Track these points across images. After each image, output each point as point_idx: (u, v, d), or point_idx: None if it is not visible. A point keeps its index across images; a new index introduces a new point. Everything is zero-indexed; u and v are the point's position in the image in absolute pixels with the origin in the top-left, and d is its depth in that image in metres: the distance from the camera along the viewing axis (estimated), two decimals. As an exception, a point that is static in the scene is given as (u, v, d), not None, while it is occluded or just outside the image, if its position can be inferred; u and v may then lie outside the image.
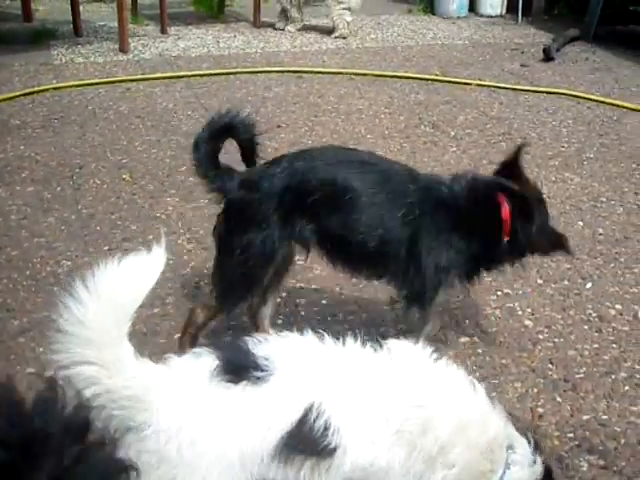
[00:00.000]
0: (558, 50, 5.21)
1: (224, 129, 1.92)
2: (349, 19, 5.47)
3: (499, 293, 2.38)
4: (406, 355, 1.35)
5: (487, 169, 3.28)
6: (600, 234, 2.77)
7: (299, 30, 5.66)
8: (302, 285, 2.43)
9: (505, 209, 1.85)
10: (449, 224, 1.86)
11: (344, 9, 5.40)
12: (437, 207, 1.87)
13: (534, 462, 1.35)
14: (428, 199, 1.86)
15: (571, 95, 4.35)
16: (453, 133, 3.73)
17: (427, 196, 1.87)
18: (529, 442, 1.35)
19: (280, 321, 2.25)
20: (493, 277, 2.23)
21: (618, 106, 4.22)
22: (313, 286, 2.43)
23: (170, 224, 2.82)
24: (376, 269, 1.96)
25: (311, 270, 2.52)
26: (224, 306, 2.00)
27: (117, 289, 1.22)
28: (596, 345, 2.18)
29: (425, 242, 1.85)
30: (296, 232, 1.88)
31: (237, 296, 1.99)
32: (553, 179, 3.12)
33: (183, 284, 2.45)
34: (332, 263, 1.96)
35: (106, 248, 2.66)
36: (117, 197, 3.03)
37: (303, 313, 2.30)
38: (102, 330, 1.20)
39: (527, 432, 1.40)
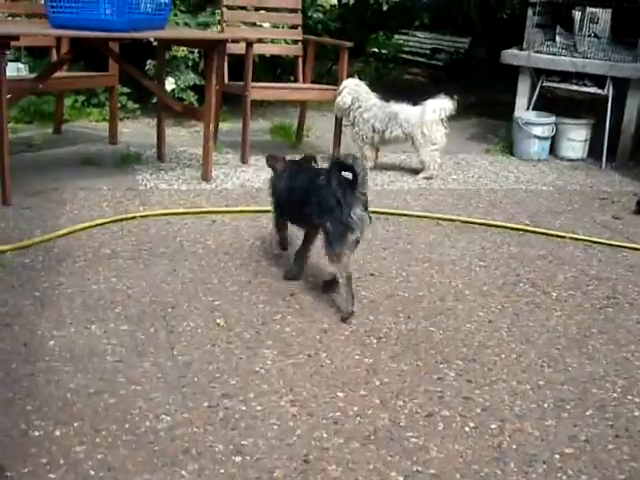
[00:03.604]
0: (651, 203, 5.09)
1: None
2: (439, 160, 5.45)
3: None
4: None
5: (597, 339, 3.14)
6: None
7: (373, 169, 5.56)
8: None
9: None
10: None
11: (435, 150, 5.38)
12: None
13: None
14: None
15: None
16: (555, 294, 3.58)
17: None
18: None
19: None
20: None
21: None
22: None
23: (271, 381, 2.67)
24: None
25: None
26: None
27: None
28: None
29: None
30: None
31: None
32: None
33: (291, 456, 2.27)
34: None
35: (206, 404, 2.52)
36: (213, 345, 2.91)
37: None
38: None
39: None
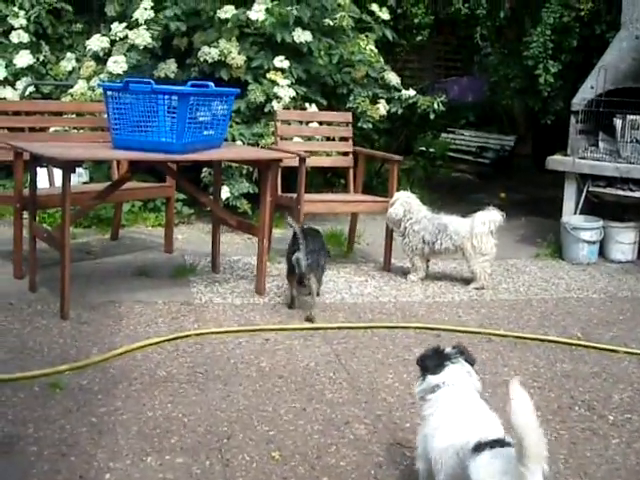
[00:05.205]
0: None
1: None
2: (489, 270, 5.49)
3: None
4: None
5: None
6: None
7: (424, 279, 5.64)
8: None
9: None
10: None
11: (486, 261, 5.43)
12: None
13: None
14: None
15: None
16: (612, 418, 3.53)
17: None
18: None
19: None
20: None
21: None
22: None
23: (326, 523, 2.68)
24: None
25: None
26: None
27: None
28: None
29: None
30: None
31: None
32: None
33: None
34: None
35: None
36: (268, 481, 2.93)
37: None
38: None
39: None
